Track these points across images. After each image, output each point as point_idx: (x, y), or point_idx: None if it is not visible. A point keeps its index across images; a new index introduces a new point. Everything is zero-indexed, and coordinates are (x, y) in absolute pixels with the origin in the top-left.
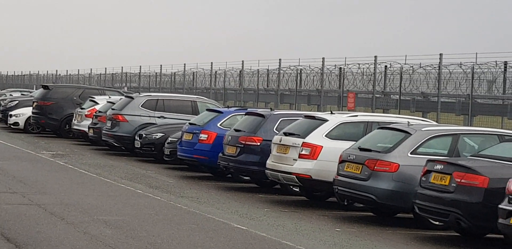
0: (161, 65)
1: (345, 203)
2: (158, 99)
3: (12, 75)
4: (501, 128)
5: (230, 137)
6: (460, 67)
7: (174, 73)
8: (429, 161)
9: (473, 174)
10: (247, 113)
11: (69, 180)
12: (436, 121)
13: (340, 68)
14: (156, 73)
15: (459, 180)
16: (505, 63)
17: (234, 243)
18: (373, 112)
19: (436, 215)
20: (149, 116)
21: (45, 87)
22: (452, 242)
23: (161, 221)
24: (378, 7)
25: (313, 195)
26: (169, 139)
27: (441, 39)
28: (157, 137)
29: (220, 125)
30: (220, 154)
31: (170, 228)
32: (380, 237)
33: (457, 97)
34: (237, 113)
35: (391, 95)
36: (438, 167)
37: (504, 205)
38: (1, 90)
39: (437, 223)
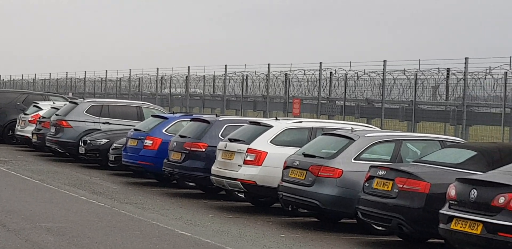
0: (106, 71)
1: (290, 209)
2: (103, 105)
3: None
4: (444, 134)
5: (175, 143)
6: (404, 73)
7: (120, 78)
8: (372, 166)
9: (415, 179)
10: (192, 119)
11: (12, 186)
12: (380, 128)
13: (286, 74)
14: (101, 78)
15: (401, 186)
16: (448, 70)
17: None
18: (318, 118)
19: (379, 220)
20: (94, 122)
21: None
22: (395, 247)
23: (104, 227)
24: (324, 15)
25: (258, 201)
26: (114, 145)
27: (385, 46)
28: (101, 142)
29: (165, 131)
30: (165, 160)
31: (113, 234)
32: (324, 242)
33: (401, 104)
34: (183, 119)
35: (336, 102)
36: (381, 172)
37: (445, 210)
38: None
39: (380, 228)
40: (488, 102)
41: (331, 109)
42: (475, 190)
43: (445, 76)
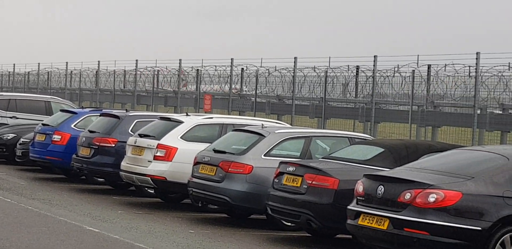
0: (14, 64)
1: (200, 205)
2: (10, 99)
3: None
4: (353, 131)
5: (84, 138)
6: (314, 71)
7: (28, 72)
8: (281, 163)
9: (324, 175)
10: (102, 114)
11: None
12: (291, 124)
13: (197, 70)
14: (9, 72)
15: (310, 182)
16: (357, 67)
17: (85, 246)
18: (229, 114)
19: (288, 216)
20: (1, 116)
21: None
22: (303, 242)
23: (10, 223)
24: (236, 11)
25: (168, 197)
26: (21, 139)
27: (297, 44)
28: (8, 137)
29: (74, 125)
30: (74, 155)
31: (19, 231)
32: (233, 238)
33: (311, 100)
34: (92, 114)
35: (247, 98)
36: (291, 168)
37: (352, 206)
38: None
39: (289, 224)
40: (396, 100)
41: (242, 105)
42: (382, 186)
43: (355, 73)
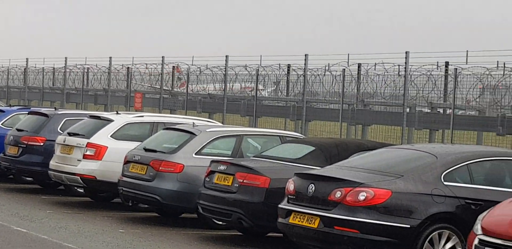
0: None
1: (130, 204)
2: None
3: None
4: (284, 129)
5: (12, 137)
6: (246, 69)
7: None
8: (213, 161)
9: (255, 174)
10: (30, 113)
11: None
12: (222, 122)
13: (128, 68)
14: None
15: (241, 181)
16: (289, 66)
17: (13, 246)
18: (160, 112)
19: (219, 215)
20: None
21: None
22: (235, 241)
23: None
24: (166, 9)
25: (98, 196)
26: None
27: (228, 42)
28: None
29: (2, 124)
30: (1, 154)
31: None
32: (164, 237)
33: (243, 99)
34: (20, 112)
35: (179, 96)
36: (222, 167)
37: (283, 205)
38: None
39: (220, 223)
40: (327, 98)
41: (173, 104)
42: (313, 185)
43: (286, 72)
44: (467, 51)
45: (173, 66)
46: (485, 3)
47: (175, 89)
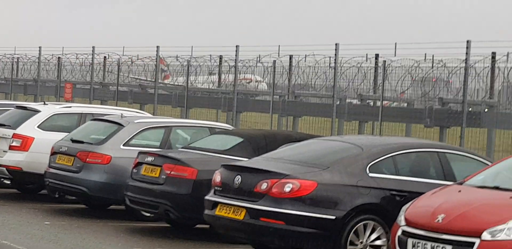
0: None
1: (57, 196)
2: None
3: None
4: (216, 120)
5: None
6: (177, 60)
7: None
8: (140, 153)
9: (182, 165)
10: None
11: None
12: (153, 114)
13: (59, 57)
14: None
15: (169, 172)
16: (220, 57)
17: None
18: (91, 103)
19: (146, 206)
20: None
21: None
22: (162, 233)
23: None
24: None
25: (25, 188)
26: None
27: (159, 32)
28: None
29: None
30: None
31: None
32: (90, 229)
33: (174, 90)
34: None
35: (110, 87)
36: (149, 159)
37: (210, 196)
38: None
39: (148, 214)
40: (258, 90)
41: (104, 95)
42: (239, 176)
43: (218, 63)
44: (395, 43)
45: (104, 57)
46: None
47: (160, 82)
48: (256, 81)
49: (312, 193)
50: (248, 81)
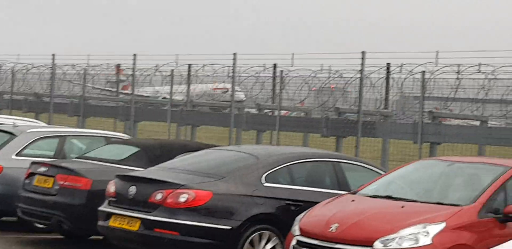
0: None
1: None
2: None
3: None
4: (114, 130)
5: None
6: (74, 68)
7: None
8: (33, 163)
9: (76, 176)
10: None
11: None
12: (49, 123)
13: None
14: None
15: (62, 183)
16: (118, 65)
17: None
18: None
19: (39, 218)
20: None
21: None
22: (56, 244)
23: None
24: None
25: None
26: None
27: (55, 41)
28: None
29: None
30: None
31: None
32: None
33: (71, 98)
34: None
35: (4, 95)
36: (42, 169)
37: (104, 207)
38: None
39: (41, 226)
40: (157, 99)
41: None
42: (134, 187)
43: (116, 72)
44: (292, 54)
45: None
46: (314, 6)
47: (120, 91)
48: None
49: (208, 203)
50: (224, 91)
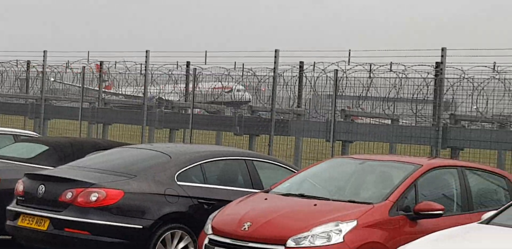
0: None
1: None
2: None
3: None
4: (24, 128)
5: None
6: None
7: None
8: None
9: None
10: None
11: None
12: None
13: None
14: None
15: None
16: (28, 62)
17: None
18: None
19: None
20: None
21: None
22: None
23: None
24: None
25: None
26: None
27: None
28: None
29: None
30: None
31: None
32: None
33: None
34: None
35: None
36: None
37: (12, 207)
38: None
39: None
40: (68, 96)
41: None
42: (43, 186)
43: (26, 68)
44: (206, 51)
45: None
46: (228, 2)
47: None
48: (238, 91)
49: (119, 202)
50: (227, 90)
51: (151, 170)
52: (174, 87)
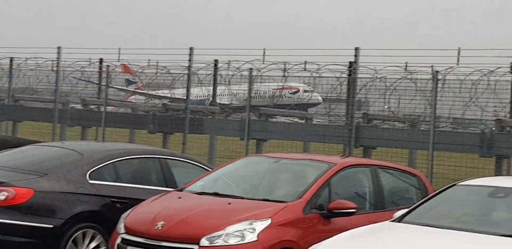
0: None
1: None
2: None
3: None
4: None
5: None
6: None
7: None
8: None
9: None
10: None
11: None
12: None
13: None
14: None
15: None
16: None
17: None
18: None
19: None
20: None
21: None
22: None
23: None
24: None
25: None
26: None
27: None
28: None
29: None
30: None
31: None
32: None
33: None
34: None
35: None
36: None
37: None
38: None
39: None
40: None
41: None
42: None
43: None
44: (119, 48)
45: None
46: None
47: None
48: (305, 92)
49: (29, 201)
50: (293, 91)
51: (63, 168)
52: (86, 84)
